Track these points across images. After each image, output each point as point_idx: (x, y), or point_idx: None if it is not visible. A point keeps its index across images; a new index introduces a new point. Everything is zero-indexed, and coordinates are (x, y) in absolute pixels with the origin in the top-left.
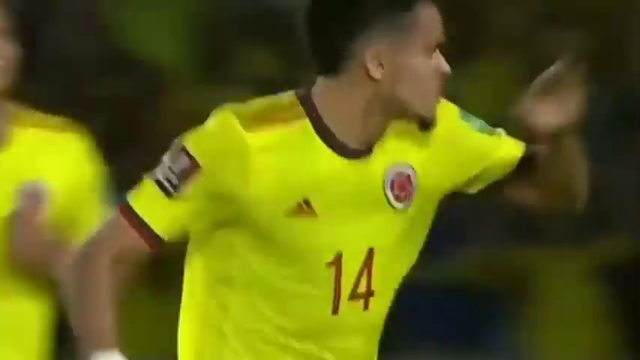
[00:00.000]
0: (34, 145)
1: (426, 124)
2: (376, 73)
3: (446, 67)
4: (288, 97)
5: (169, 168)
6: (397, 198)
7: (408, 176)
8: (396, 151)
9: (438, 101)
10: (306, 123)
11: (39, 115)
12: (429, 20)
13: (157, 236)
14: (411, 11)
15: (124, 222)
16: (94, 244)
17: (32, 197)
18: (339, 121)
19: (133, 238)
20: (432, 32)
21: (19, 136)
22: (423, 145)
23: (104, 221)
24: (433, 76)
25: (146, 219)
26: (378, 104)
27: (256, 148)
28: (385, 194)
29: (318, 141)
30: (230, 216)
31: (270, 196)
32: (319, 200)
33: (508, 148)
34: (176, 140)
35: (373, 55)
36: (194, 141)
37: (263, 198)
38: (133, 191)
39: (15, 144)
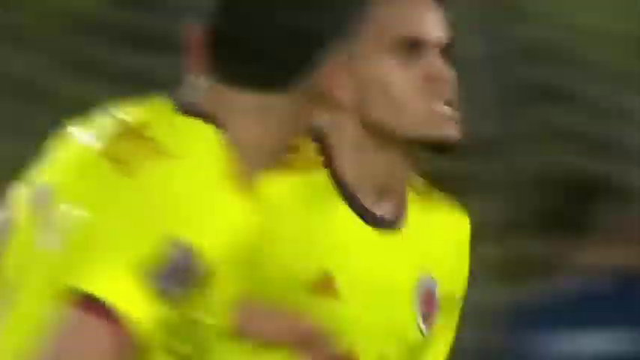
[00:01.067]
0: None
1: (437, 148)
2: (340, 94)
3: (439, 70)
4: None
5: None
6: (424, 318)
7: (433, 293)
8: (425, 250)
9: (446, 117)
10: (323, 173)
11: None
12: (387, 11)
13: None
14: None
15: None
16: None
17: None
18: (349, 171)
19: None
20: (394, 25)
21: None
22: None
23: None
24: (415, 85)
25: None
26: (360, 136)
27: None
28: (412, 303)
29: (337, 198)
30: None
31: (285, 267)
32: (343, 276)
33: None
34: None
35: (330, 75)
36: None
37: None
38: None
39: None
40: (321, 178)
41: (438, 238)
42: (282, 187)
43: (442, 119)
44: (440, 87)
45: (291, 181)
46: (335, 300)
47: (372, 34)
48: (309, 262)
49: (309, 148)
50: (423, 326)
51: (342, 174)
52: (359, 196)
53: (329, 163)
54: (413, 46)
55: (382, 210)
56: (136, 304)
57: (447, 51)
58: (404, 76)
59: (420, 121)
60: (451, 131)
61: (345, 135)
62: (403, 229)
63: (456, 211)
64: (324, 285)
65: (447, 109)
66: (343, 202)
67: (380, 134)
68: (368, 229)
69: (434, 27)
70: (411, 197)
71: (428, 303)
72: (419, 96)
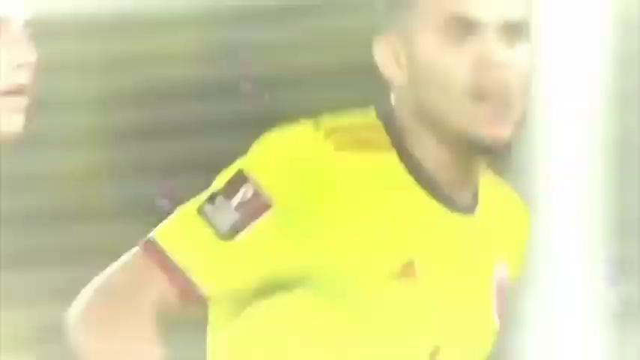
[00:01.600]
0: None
1: (477, 149)
2: (395, 75)
3: (489, 53)
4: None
5: (224, 199)
6: (496, 310)
7: (505, 283)
8: (497, 237)
9: (496, 111)
10: (392, 154)
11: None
12: None
13: (194, 286)
14: None
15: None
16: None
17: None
18: (416, 153)
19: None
20: (442, 1)
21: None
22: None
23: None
24: (461, 70)
25: (181, 263)
26: (419, 122)
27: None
28: (489, 292)
29: (411, 181)
30: (303, 267)
31: (375, 248)
32: (424, 262)
33: None
34: (237, 163)
35: (388, 53)
36: (262, 166)
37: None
38: (165, 224)
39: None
40: (390, 159)
41: (507, 225)
42: (356, 171)
43: (489, 114)
44: (489, 75)
45: (364, 163)
46: (414, 287)
47: (421, 9)
48: (395, 250)
49: (377, 128)
50: (496, 318)
51: (412, 155)
52: (433, 179)
53: (396, 144)
54: (462, 26)
55: (456, 194)
56: None
57: (514, 31)
58: (451, 57)
59: (463, 113)
60: (497, 129)
61: (404, 116)
62: (476, 216)
63: (518, 200)
64: (406, 273)
65: (494, 101)
66: (417, 183)
67: (429, 119)
68: (447, 212)
69: (489, 3)
70: (481, 184)
71: (500, 293)
72: (465, 84)
